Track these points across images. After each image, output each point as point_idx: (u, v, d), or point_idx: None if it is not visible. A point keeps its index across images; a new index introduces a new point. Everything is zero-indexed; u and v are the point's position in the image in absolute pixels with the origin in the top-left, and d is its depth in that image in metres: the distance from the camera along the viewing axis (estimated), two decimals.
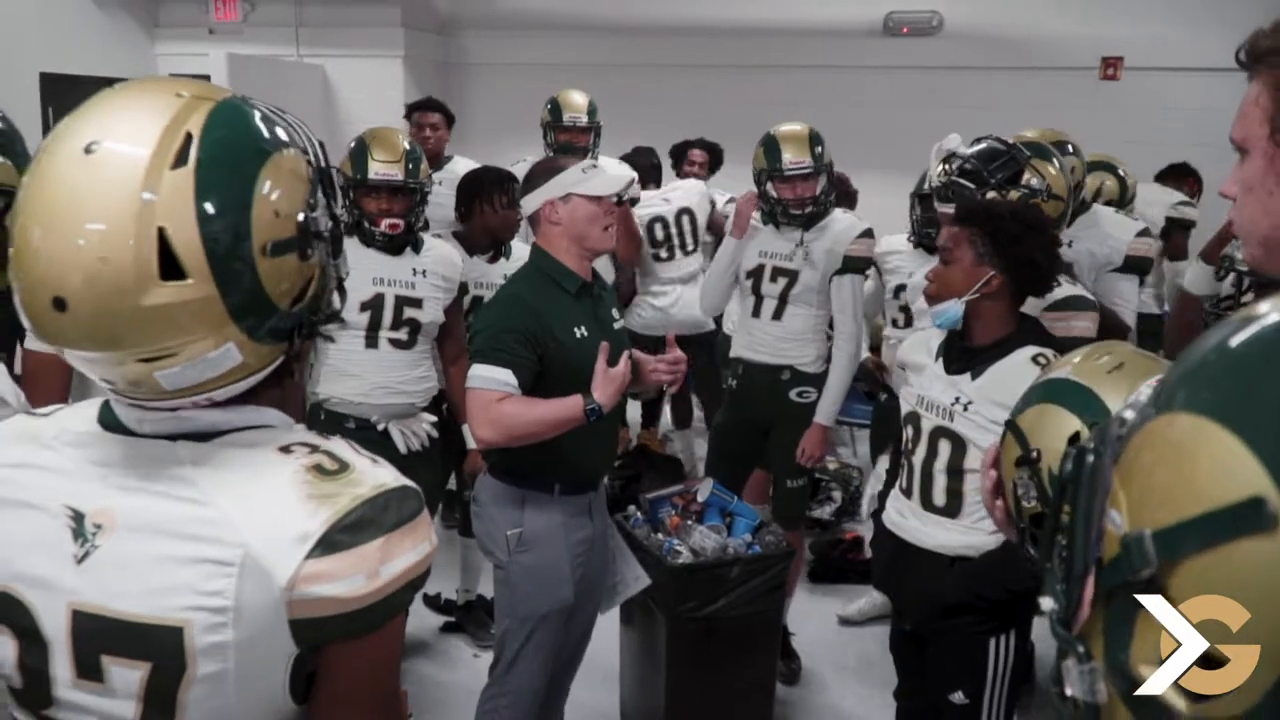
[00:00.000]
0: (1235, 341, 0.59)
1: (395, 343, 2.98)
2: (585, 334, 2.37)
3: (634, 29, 7.10)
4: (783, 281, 3.33)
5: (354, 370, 2.95)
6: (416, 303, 2.99)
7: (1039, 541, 1.56)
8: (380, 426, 2.99)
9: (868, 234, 3.34)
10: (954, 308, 2.23)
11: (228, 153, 0.92)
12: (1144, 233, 3.22)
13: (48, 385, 2.00)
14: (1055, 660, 0.67)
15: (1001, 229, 2.21)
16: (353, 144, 3.04)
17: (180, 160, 0.88)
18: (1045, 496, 1.56)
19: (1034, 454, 1.52)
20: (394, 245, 2.98)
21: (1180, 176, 5.12)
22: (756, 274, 3.37)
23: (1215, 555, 0.54)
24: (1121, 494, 0.62)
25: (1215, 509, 0.53)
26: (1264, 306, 0.60)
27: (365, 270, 2.91)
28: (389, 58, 7.02)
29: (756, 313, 3.40)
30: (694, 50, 7.00)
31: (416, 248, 3.03)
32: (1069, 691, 0.63)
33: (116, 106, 0.92)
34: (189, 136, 0.90)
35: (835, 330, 3.34)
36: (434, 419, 3.13)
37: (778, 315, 3.36)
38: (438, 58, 7.53)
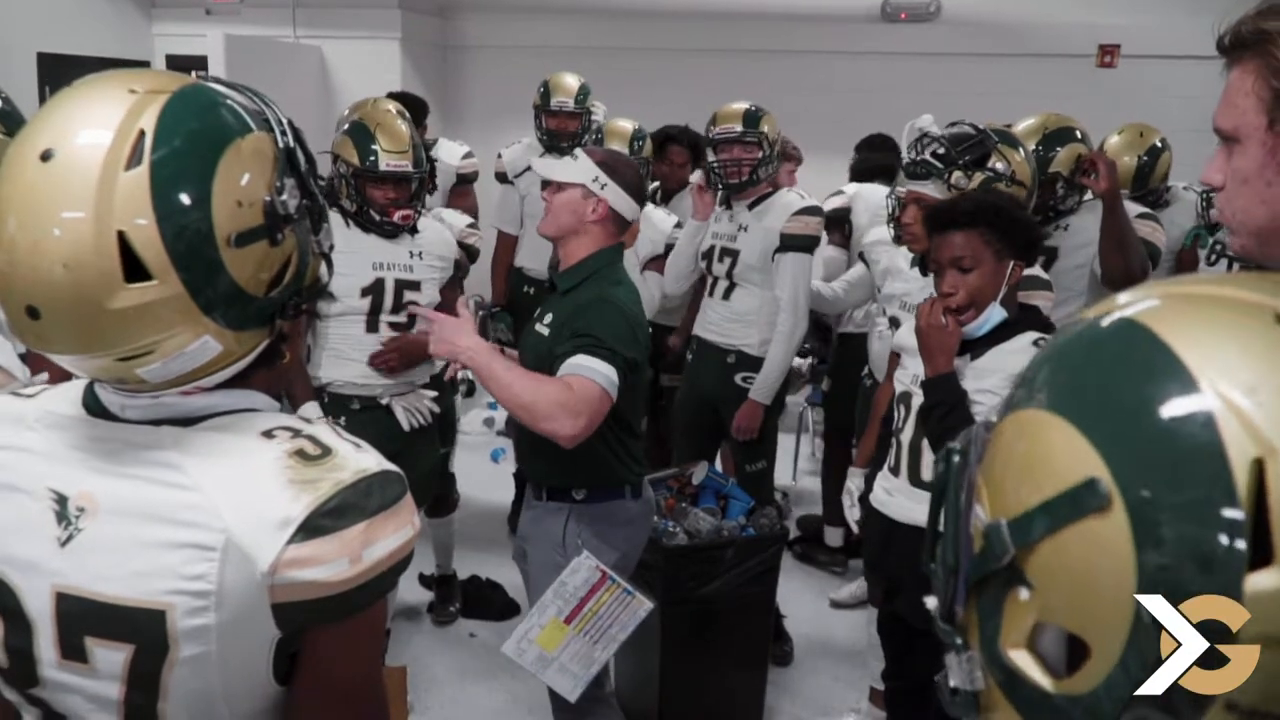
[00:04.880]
0: (1065, 341, 0.64)
1: (395, 326, 2.99)
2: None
3: (632, 12, 7.08)
4: (728, 261, 3.41)
5: (356, 355, 2.96)
6: (415, 285, 3.00)
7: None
8: (384, 401, 3.00)
9: (809, 211, 3.33)
10: (996, 314, 2.20)
11: (183, 147, 0.89)
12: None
13: (53, 364, 2.01)
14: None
15: (1011, 221, 2.19)
16: (347, 126, 2.99)
17: (134, 160, 0.87)
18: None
19: None
20: (392, 230, 2.98)
21: None
22: (709, 254, 3.47)
23: (1061, 538, 0.57)
24: (984, 489, 0.65)
25: (1057, 494, 0.57)
26: (1093, 311, 0.64)
27: (365, 256, 2.92)
28: (386, 39, 6.98)
29: (711, 292, 3.51)
30: (693, 34, 6.98)
31: (412, 230, 3.04)
32: (952, 683, 0.66)
33: (71, 110, 0.90)
34: (142, 134, 0.88)
35: (780, 308, 3.33)
36: (435, 394, 3.14)
37: (727, 295, 3.45)
38: (436, 40, 7.50)
